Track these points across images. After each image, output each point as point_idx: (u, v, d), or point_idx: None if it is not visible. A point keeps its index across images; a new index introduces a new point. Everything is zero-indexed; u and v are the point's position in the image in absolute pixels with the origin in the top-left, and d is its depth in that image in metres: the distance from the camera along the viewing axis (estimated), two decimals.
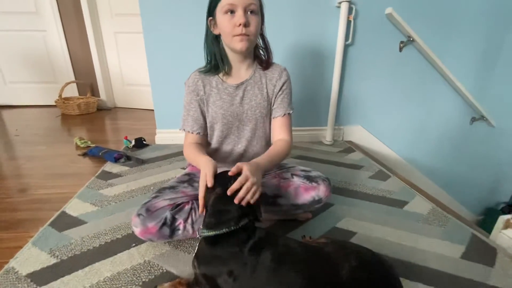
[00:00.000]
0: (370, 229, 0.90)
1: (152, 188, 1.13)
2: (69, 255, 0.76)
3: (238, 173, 0.64)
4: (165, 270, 0.72)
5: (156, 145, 1.64)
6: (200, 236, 0.61)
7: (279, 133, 0.89)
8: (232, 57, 0.83)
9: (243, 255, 0.55)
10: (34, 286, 0.66)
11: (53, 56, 2.53)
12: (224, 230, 0.57)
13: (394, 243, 0.84)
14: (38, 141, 1.75)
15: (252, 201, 0.61)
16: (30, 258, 0.75)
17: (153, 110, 1.64)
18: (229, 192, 0.60)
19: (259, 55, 0.88)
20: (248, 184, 0.61)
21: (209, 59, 0.85)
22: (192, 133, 0.87)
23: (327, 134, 1.74)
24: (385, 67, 1.67)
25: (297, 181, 0.83)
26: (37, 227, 0.88)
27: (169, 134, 1.65)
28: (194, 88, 0.85)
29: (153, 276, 0.70)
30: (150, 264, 0.73)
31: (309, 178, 0.83)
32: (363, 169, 1.37)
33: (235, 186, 0.60)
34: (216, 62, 0.83)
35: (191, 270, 0.70)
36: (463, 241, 0.86)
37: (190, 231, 0.78)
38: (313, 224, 0.92)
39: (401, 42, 1.60)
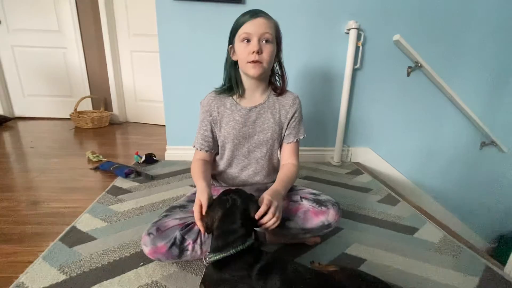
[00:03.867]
0: (380, 257, 0.89)
1: (161, 205, 1.14)
2: (78, 272, 0.76)
3: (237, 192, 0.69)
4: None
5: (165, 161, 1.67)
6: (208, 262, 0.61)
7: (288, 157, 0.93)
8: (247, 81, 0.87)
9: (251, 280, 0.55)
10: None
11: (71, 72, 2.65)
12: (231, 251, 0.57)
13: (404, 272, 0.82)
14: (51, 153, 1.80)
15: (273, 226, 0.66)
16: (40, 273, 0.75)
17: (162, 125, 1.69)
18: (257, 216, 0.65)
19: (274, 82, 0.92)
20: (272, 209, 0.67)
21: (226, 82, 0.89)
22: (200, 150, 0.90)
23: (335, 155, 1.74)
24: (393, 91, 1.69)
25: (306, 204, 0.83)
26: (48, 241, 0.89)
27: (179, 151, 1.67)
28: (208, 109, 0.89)
29: None
30: (158, 285, 0.73)
31: (319, 202, 0.83)
32: (372, 193, 1.36)
33: (262, 210, 0.66)
34: (232, 85, 0.87)
35: None
36: (477, 272, 0.84)
37: (199, 252, 0.78)
38: (321, 249, 0.90)
39: (409, 67, 1.64)
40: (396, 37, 1.53)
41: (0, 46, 2.55)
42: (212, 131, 0.90)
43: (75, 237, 0.91)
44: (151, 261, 0.81)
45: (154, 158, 1.63)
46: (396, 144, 1.80)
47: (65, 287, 0.71)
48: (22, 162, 1.64)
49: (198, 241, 0.79)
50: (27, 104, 2.74)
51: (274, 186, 0.79)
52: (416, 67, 1.62)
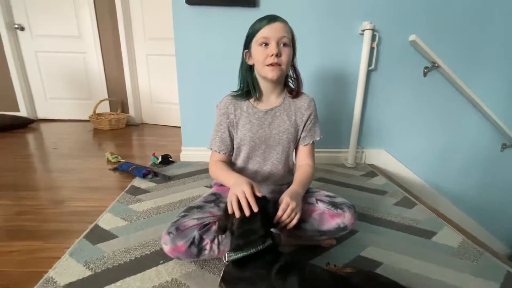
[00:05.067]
0: (396, 260, 0.88)
1: (178, 205, 1.17)
2: (102, 268, 0.80)
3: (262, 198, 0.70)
4: None
5: (181, 162, 1.71)
6: (228, 261, 0.63)
7: (304, 158, 0.94)
8: (263, 85, 0.88)
9: (270, 278, 0.56)
10: None
11: (91, 75, 2.75)
12: (252, 250, 0.59)
13: (422, 277, 0.81)
14: (73, 154, 1.88)
15: (291, 225, 0.69)
16: (68, 269, 0.80)
17: (177, 127, 1.72)
18: (277, 217, 0.68)
19: (289, 85, 0.94)
20: (288, 211, 0.70)
21: (242, 85, 0.91)
22: (219, 152, 0.92)
23: (349, 157, 1.73)
24: (409, 92, 1.66)
25: (321, 206, 0.84)
26: (73, 238, 0.94)
27: (194, 152, 1.71)
28: (225, 111, 0.91)
29: None
30: (178, 282, 0.76)
31: (334, 205, 0.84)
32: (387, 195, 1.35)
33: (280, 213, 0.69)
34: (248, 89, 0.89)
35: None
36: (498, 278, 0.82)
37: (216, 251, 0.80)
38: (337, 251, 0.91)
39: (426, 67, 1.61)
40: (412, 37, 1.51)
41: (24, 52, 2.69)
42: (230, 134, 0.93)
43: (98, 235, 0.96)
44: (170, 259, 0.83)
45: (170, 159, 1.67)
46: (412, 145, 1.77)
47: (91, 283, 0.75)
48: (45, 163, 1.73)
49: (216, 241, 0.81)
50: (49, 107, 2.86)
51: (293, 187, 0.81)
52: (433, 67, 1.59)
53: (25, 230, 1.00)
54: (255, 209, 0.65)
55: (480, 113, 1.73)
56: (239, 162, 0.96)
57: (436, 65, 1.56)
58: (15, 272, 0.80)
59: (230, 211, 0.68)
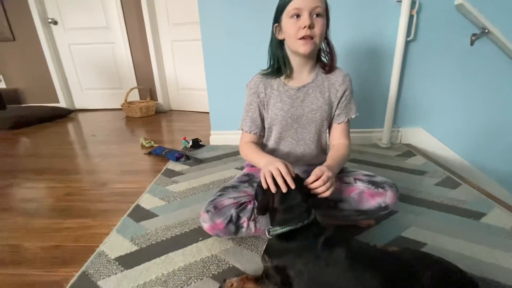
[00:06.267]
0: (442, 241, 0.83)
1: (211, 186, 1.20)
2: (147, 244, 0.85)
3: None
4: (231, 265, 0.76)
5: (210, 145, 1.74)
6: (272, 235, 0.63)
7: (339, 137, 0.90)
8: (294, 60, 0.84)
9: (316, 249, 0.56)
10: (122, 269, 0.75)
11: (120, 65, 2.85)
12: (299, 224, 0.59)
13: (471, 258, 0.76)
14: (110, 140, 1.98)
15: (327, 194, 0.66)
16: (116, 244, 0.86)
17: (204, 112, 1.74)
18: (308, 182, 0.66)
19: (322, 59, 0.88)
20: (324, 177, 0.66)
21: (272, 62, 0.87)
22: (249, 133, 0.91)
23: (383, 136, 1.64)
24: (452, 63, 1.51)
25: (360, 186, 0.80)
26: (118, 217, 1.00)
27: (222, 136, 1.73)
28: (255, 91, 0.88)
29: (221, 270, 0.74)
30: (217, 258, 0.78)
31: (375, 184, 0.80)
32: (427, 175, 1.27)
33: (311, 178, 0.66)
34: (279, 65, 0.85)
35: (255, 267, 0.73)
36: None
37: (253, 229, 0.81)
38: (376, 231, 0.88)
39: (473, 34, 1.44)
40: (459, 0, 1.35)
41: (59, 45, 2.83)
42: (260, 113, 0.91)
43: (140, 214, 1.01)
44: (209, 236, 0.86)
45: (200, 143, 1.71)
46: (454, 123, 1.63)
47: (138, 256, 0.80)
48: (86, 149, 1.85)
49: (252, 219, 0.82)
50: (84, 97, 3.03)
51: (326, 163, 0.78)
52: (482, 33, 1.42)
53: (75, 210, 1.09)
54: (292, 186, 0.63)
55: None
56: (271, 143, 0.94)
57: (486, 31, 1.39)
58: (70, 246, 0.88)
59: (265, 186, 0.67)
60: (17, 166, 1.56)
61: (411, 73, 1.55)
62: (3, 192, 1.24)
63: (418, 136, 1.67)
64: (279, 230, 0.62)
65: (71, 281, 0.72)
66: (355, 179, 0.83)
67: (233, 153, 1.56)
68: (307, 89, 0.86)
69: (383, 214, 0.80)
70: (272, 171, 0.67)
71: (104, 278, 0.73)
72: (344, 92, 0.87)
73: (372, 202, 0.78)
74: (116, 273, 0.74)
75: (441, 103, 1.60)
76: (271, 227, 0.65)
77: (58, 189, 1.25)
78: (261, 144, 0.96)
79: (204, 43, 1.55)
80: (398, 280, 0.49)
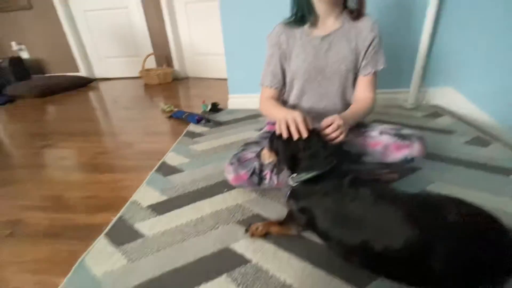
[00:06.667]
0: (469, 195, 0.80)
1: (232, 146, 1.22)
2: (176, 195, 0.90)
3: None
4: (255, 213, 0.80)
5: (228, 109, 1.74)
6: (297, 182, 0.64)
7: (363, 90, 0.86)
8: (319, 6, 0.79)
9: (343, 188, 0.58)
10: (155, 214, 0.82)
11: (135, 31, 2.81)
12: (325, 169, 0.60)
13: (501, 211, 0.74)
14: (131, 107, 2.03)
15: (339, 139, 0.67)
16: (147, 194, 0.92)
17: (221, 79, 1.71)
18: (322, 126, 0.67)
19: (349, 5, 0.82)
20: (334, 125, 0.67)
21: (295, 10, 0.83)
22: (270, 87, 0.89)
23: (409, 96, 1.56)
24: (497, 9, 1.34)
25: (386, 139, 0.79)
26: (146, 172, 1.06)
27: (240, 99, 1.71)
28: (277, 42, 0.85)
29: (246, 217, 0.78)
30: (242, 207, 0.82)
31: (401, 136, 0.78)
32: (456, 134, 1.21)
33: (325, 123, 0.68)
34: (303, 13, 0.81)
35: (278, 215, 0.76)
36: None
37: (275, 181, 0.84)
38: (399, 185, 0.87)
39: None
40: None
41: (75, 13, 2.81)
42: (281, 66, 0.88)
43: (167, 169, 1.06)
44: (233, 188, 0.90)
45: (218, 107, 1.71)
46: (494, 82, 1.50)
47: (169, 205, 0.85)
48: (110, 114, 1.91)
49: (274, 171, 0.84)
50: (103, 66, 3.07)
51: (342, 114, 0.75)
52: None
53: (106, 166, 1.16)
54: (305, 134, 0.63)
55: None
56: (292, 98, 0.91)
57: None
58: (106, 196, 0.95)
59: (277, 132, 0.68)
60: (49, 129, 1.66)
61: (447, 24, 1.40)
62: (40, 152, 1.34)
63: (447, 96, 1.57)
64: (304, 176, 0.63)
65: (110, 224, 0.79)
66: (381, 132, 0.81)
67: (252, 116, 1.56)
68: (332, 38, 0.82)
69: (407, 167, 0.79)
70: (288, 119, 0.66)
71: (139, 222, 0.79)
72: (372, 41, 0.81)
73: (397, 155, 0.77)
74: (149, 218, 0.80)
75: (478, 59, 1.46)
76: (294, 174, 0.66)
77: (88, 149, 1.33)
78: (281, 101, 0.94)
79: (222, 4, 1.47)
80: (423, 215, 0.49)
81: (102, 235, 0.75)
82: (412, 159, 0.77)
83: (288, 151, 0.67)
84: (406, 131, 0.80)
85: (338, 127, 0.67)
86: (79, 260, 0.67)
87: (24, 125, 1.76)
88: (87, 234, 0.76)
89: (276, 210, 0.80)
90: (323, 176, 0.60)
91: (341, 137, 0.67)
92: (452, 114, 1.51)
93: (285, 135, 0.66)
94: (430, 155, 1.04)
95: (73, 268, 0.65)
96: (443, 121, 1.37)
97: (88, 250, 0.70)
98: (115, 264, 0.65)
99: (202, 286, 0.59)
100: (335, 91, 0.87)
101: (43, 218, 0.86)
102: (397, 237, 0.49)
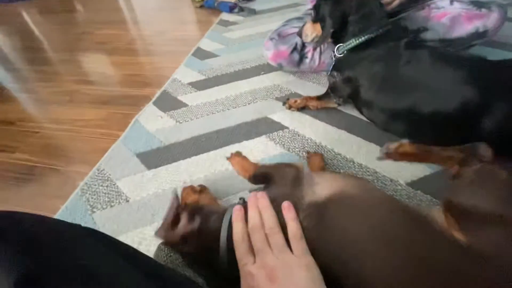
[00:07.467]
0: None
1: (268, 34, 1.13)
2: (213, 75, 0.91)
3: None
4: (293, 92, 0.79)
5: None
6: (343, 51, 0.60)
7: None
8: None
9: (399, 49, 0.53)
10: (195, 90, 0.85)
11: None
12: (378, 31, 0.54)
13: None
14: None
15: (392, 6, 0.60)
16: (187, 73, 0.93)
17: None
18: None
19: None
20: None
21: None
22: None
23: None
24: None
25: (458, 8, 0.67)
26: (183, 56, 1.05)
27: None
28: None
29: (283, 94, 0.78)
30: (279, 86, 0.82)
31: (478, 4, 0.65)
32: None
33: None
34: None
35: (316, 94, 0.75)
36: None
37: (317, 61, 0.79)
38: None
39: None
40: None
41: None
42: None
43: (203, 54, 1.04)
44: (270, 70, 0.87)
45: None
46: None
47: (207, 83, 0.87)
48: (140, 3, 1.81)
49: (318, 49, 0.78)
50: None
51: None
52: None
53: (143, 50, 1.18)
54: None
55: None
56: None
57: None
58: (148, 74, 0.99)
59: None
60: (83, 19, 1.64)
61: None
62: (81, 37, 1.36)
63: None
64: (354, 42, 0.58)
65: (156, 95, 0.84)
66: (452, 1, 0.68)
67: (291, 5, 1.39)
68: None
69: (476, 43, 0.69)
70: None
71: (181, 95, 0.83)
72: None
73: (467, 26, 0.66)
74: (191, 92, 0.84)
75: None
76: (340, 44, 0.61)
77: (124, 35, 1.33)
78: None
79: None
80: (483, 80, 0.45)
81: (151, 102, 0.81)
82: (484, 33, 0.66)
83: (338, 12, 0.60)
84: None
85: None
86: (133, 119, 0.75)
87: (58, 15, 1.75)
88: (136, 102, 0.82)
89: (315, 90, 0.78)
90: (375, 40, 0.55)
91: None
92: None
93: None
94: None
95: (130, 124, 0.74)
96: None
97: (139, 113, 0.77)
98: (165, 123, 0.73)
99: (244, 142, 0.64)
100: None
101: (95, 89, 0.94)
102: (453, 98, 0.46)
